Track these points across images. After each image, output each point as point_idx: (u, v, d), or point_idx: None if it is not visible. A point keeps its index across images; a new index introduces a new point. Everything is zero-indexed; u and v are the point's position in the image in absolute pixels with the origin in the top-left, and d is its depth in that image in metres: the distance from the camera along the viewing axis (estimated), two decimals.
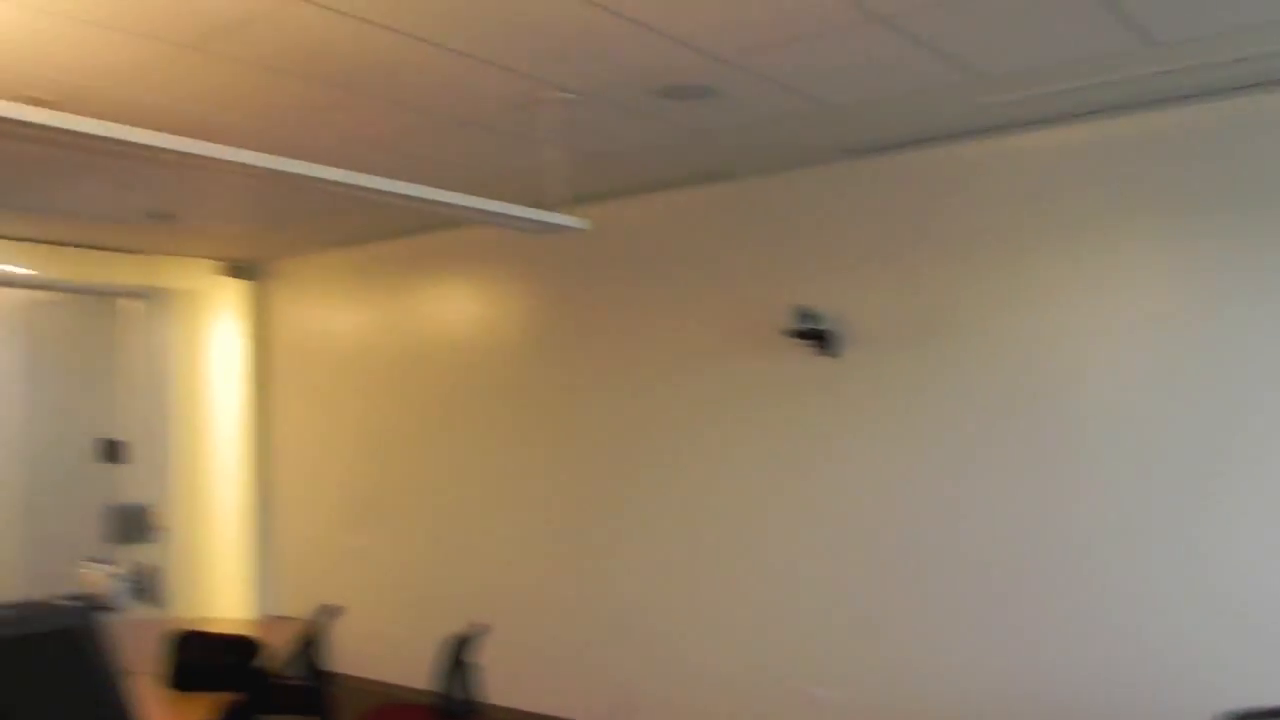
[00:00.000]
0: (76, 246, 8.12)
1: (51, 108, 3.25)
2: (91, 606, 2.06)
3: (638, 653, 6.67)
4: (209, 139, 3.56)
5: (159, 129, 3.43)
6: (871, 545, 5.81)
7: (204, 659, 4.58)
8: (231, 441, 9.02)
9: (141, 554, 4.22)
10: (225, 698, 4.36)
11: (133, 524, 5.51)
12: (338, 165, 4.00)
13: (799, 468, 6.07)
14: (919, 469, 5.67)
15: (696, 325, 6.49)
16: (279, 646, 5.03)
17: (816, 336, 5.87)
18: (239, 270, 9.07)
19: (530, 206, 4.82)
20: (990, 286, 5.47)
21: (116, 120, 3.33)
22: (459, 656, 5.04)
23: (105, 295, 8.49)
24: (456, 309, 7.73)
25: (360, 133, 5.20)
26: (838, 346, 5.90)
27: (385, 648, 7.78)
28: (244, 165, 3.58)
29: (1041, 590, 5.29)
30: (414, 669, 7.17)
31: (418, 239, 7.90)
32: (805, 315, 5.89)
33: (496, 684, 5.76)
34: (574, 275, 7.06)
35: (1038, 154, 5.36)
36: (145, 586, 3.74)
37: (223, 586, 8.81)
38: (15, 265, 8.14)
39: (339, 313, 8.54)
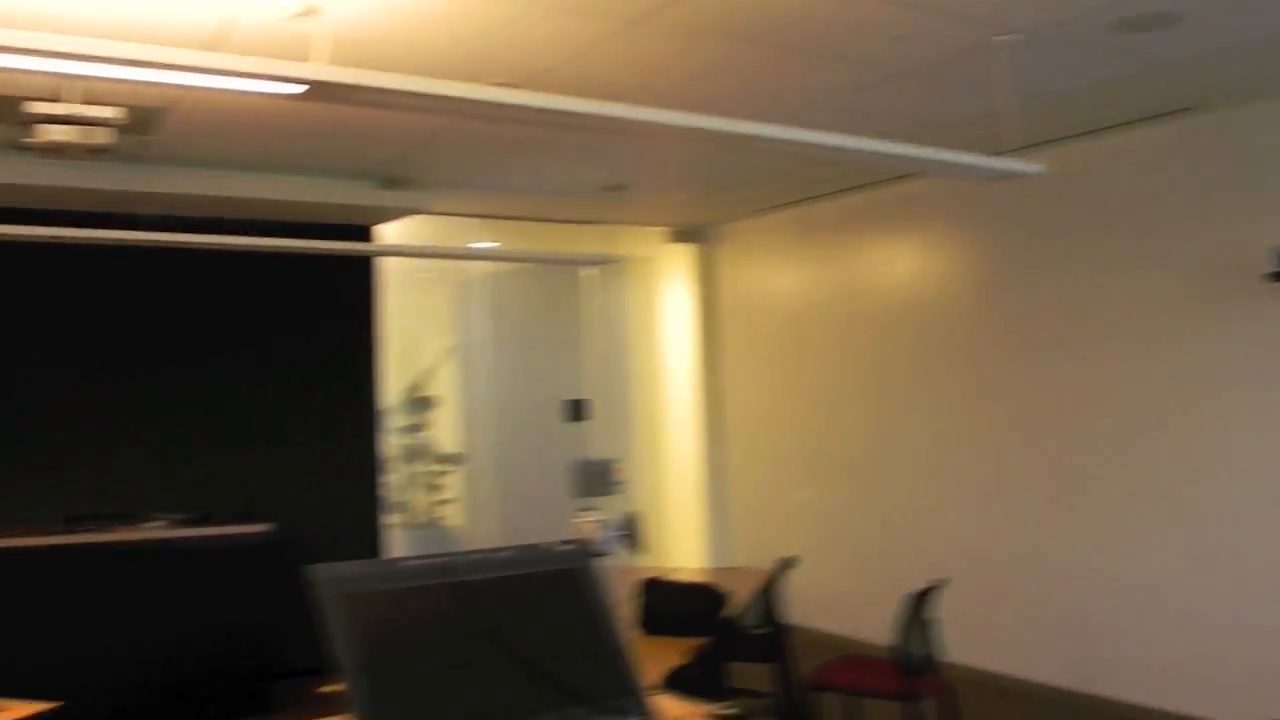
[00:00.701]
0: (538, 221, 8.69)
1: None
2: (585, 551, 2.21)
3: (1101, 615, 6.39)
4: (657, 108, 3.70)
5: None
6: None
7: (670, 605, 4.79)
8: (684, 399, 9.41)
9: (616, 505, 4.49)
10: (692, 643, 4.54)
11: (597, 478, 5.85)
12: (781, 125, 4.05)
13: None
14: None
15: (1161, 271, 6.09)
16: (739, 596, 5.18)
17: None
18: (686, 235, 9.40)
19: (980, 153, 4.69)
20: None
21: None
22: (918, 612, 5.01)
23: (565, 265, 9.04)
24: (902, 264, 7.65)
25: (802, 91, 5.23)
26: None
27: (838, 601, 7.87)
28: (701, 130, 3.68)
29: None
30: (868, 622, 7.22)
31: (859, 195, 7.89)
32: None
33: (956, 641, 5.69)
34: (1024, 225, 6.81)
35: None
36: (630, 534, 3.98)
37: (679, 537, 9.22)
38: (484, 240, 8.82)
39: (783, 272, 8.68)
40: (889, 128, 5.87)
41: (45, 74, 4.17)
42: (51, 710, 3.55)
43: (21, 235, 5.75)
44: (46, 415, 6.78)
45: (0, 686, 3.70)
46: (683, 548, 9.14)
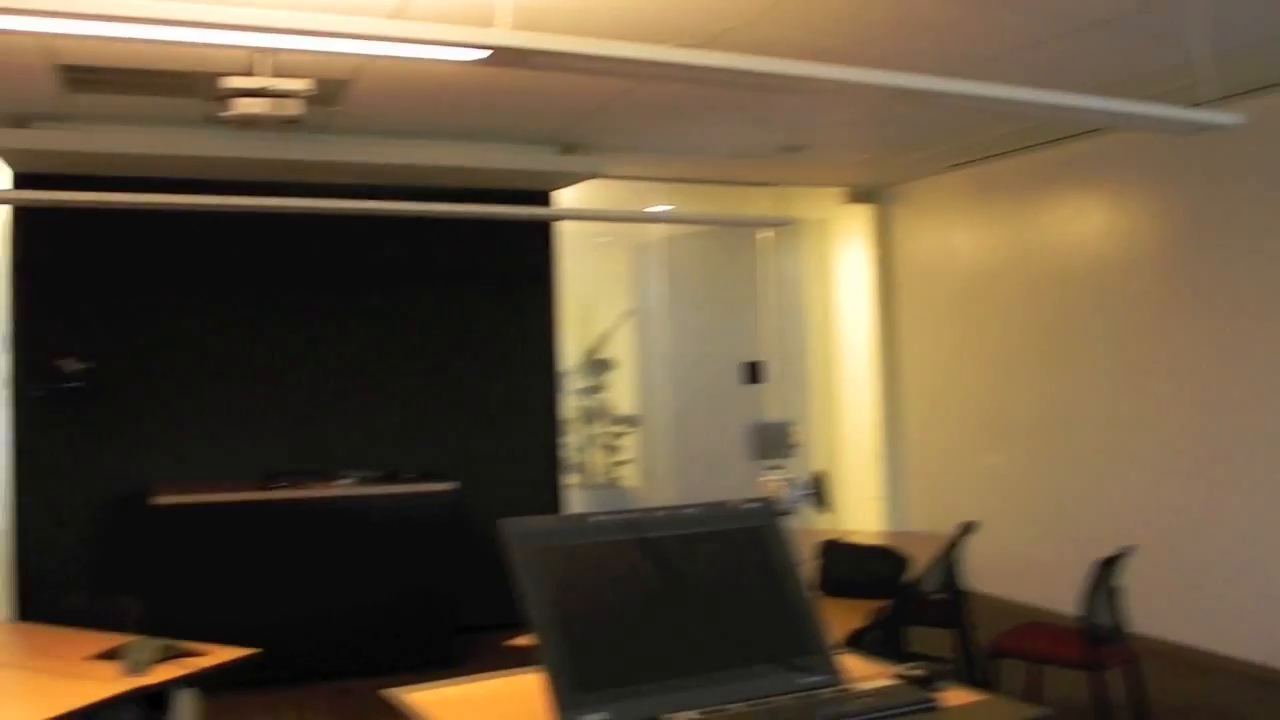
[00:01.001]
0: (714, 183, 8.69)
1: None
2: (770, 509, 2.23)
3: None
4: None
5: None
6: None
7: (850, 568, 4.77)
8: (861, 361, 9.32)
9: (801, 464, 4.47)
10: (871, 606, 4.51)
11: (773, 440, 5.85)
12: (965, 80, 3.96)
13: None
14: None
15: None
16: (918, 560, 5.13)
17: None
18: (863, 196, 9.29)
19: (1173, 106, 4.50)
20: None
21: None
22: (1105, 580, 4.88)
23: (740, 227, 9.03)
24: (1085, 224, 7.41)
25: (987, 45, 5.11)
26: None
27: (1019, 567, 7.71)
28: (883, 87, 3.62)
29: None
30: (1051, 590, 7.07)
31: (1041, 153, 7.65)
32: None
33: (1143, 612, 5.52)
34: (1217, 182, 6.51)
35: None
36: (817, 493, 3.97)
37: (855, 500, 9.16)
38: (660, 204, 8.86)
39: (962, 232, 8.50)
40: (1077, 81, 5.68)
41: (240, 48, 4.33)
42: (250, 656, 3.73)
43: (220, 205, 6.01)
44: (248, 377, 7.09)
45: (202, 633, 3.90)
46: (859, 511, 9.07)
